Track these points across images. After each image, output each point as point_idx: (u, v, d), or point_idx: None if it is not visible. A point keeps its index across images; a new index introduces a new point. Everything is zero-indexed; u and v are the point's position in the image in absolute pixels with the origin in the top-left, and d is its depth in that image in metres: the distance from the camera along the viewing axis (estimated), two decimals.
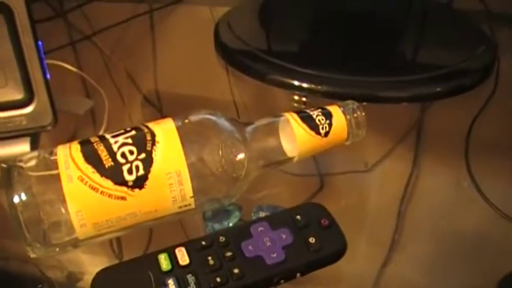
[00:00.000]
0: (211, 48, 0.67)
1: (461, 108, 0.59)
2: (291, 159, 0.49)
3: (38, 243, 0.43)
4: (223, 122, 0.47)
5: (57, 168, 0.43)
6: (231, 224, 0.48)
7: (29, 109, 0.53)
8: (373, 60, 0.63)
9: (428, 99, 0.60)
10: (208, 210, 0.48)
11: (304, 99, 0.61)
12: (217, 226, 0.48)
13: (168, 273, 0.42)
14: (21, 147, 0.54)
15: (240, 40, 0.64)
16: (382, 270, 0.46)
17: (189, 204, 0.45)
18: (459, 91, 0.59)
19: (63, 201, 0.42)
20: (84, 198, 0.43)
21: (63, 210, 0.42)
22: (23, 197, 0.42)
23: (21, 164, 0.44)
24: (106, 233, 0.44)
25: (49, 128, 0.54)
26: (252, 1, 0.72)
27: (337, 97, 0.52)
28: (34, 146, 0.54)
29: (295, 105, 0.60)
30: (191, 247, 0.43)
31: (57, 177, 0.43)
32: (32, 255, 0.44)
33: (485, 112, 0.58)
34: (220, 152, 0.45)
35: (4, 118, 0.53)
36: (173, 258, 0.42)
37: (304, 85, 0.60)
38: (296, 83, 0.61)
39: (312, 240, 0.43)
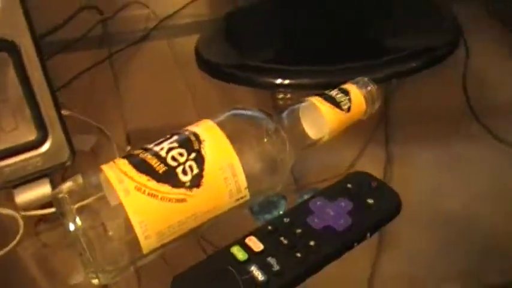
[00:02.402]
0: (175, 80, 0.69)
1: (423, 94, 0.63)
2: (318, 140, 0.50)
3: (102, 269, 0.42)
4: (256, 113, 0.48)
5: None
6: (281, 212, 0.48)
7: (44, 148, 0.51)
8: (347, 48, 0.66)
9: (404, 76, 0.63)
10: (255, 205, 0.49)
11: (288, 95, 0.63)
12: (268, 217, 0.48)
13: (247, 262, 0.41)
14: (42, 189, 0.52)
15: (221, 54, 0.66)
16: (376, 265, 0.46)
17: (244, 196, 0.45)
18: (432, 63, 0.64)
19: (125, 218, 0.42)
20: (145, 207, 0.42)
21: (124, 229, 0.42)
22: (81, 224, 0.41)
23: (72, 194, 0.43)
24: (168, 242, 0.43)
25: (68, 164, 0.52)
26: (218, 24, 0.75)
27: (320, 88, 0.53)
28: (54, 186, 0.52)
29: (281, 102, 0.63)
30: (259, 234, 0.44)
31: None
32: (95, 282, 0.43)
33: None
34: (265, 139, 0.46)
35: (19, 162, 0.51)
36: (246, 248, 0.43)
37: (287, 81, 0.63)
38: (279, 81, 0.63)
39: (370, 201, 0.45)
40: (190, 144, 0.45)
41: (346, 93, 0.51)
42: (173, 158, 0.44)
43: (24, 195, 0.52)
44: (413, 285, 0.44)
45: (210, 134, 0.45)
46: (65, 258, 0.50)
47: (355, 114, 0.51)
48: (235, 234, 0.44)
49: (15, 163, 0.51)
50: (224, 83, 0.65)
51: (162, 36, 0.79)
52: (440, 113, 0.59)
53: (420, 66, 0.62)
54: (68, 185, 0.43)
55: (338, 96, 0.50)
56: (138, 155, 0.44)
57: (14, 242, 0.50)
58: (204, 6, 0.84)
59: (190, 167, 0.44)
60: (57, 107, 0.51)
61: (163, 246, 0.43)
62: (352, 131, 0.52)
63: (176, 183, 0.43)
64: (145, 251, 0.43)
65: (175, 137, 0.45)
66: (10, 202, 0.53)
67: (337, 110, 0.50)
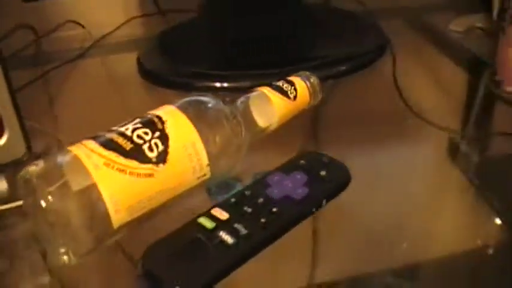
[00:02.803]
0: (111, 97, 0.71)
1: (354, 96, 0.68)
2: (266, 128, 0.54)
3: (72, 248, 0.43)
4: (213, 99, 0.51)
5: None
6: None
7: None
8: (279, 55, 0.72)
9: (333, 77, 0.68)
10: (212, 186, 0.51)
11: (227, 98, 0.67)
12: (224, 197, 0.51)
13: (216, 230, 0.44)
14: None
15: (161, 65, 0.70)
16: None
17: (205, 174, 0.48)
18: (360, 67, 0.70)
19: (95, 191, 0.43)
20: (115, 181, 0.43)
21: (94, 203, 0.43)
22: (50, 201, 0.42)
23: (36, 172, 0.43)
24: (138, 217, 0.45)
25: (24, 159, 0.52)
26: (155, 41, 0.78)
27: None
28: (10, 181, 0.52)
29: None
30: (224, 206, 0.46)
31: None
32: (67, 263, 0.43)
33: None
34: (224, 122, 0.49)
35: None
36: (213, 218, 0.45)
37: (225, 85, 0.67)
38: (218, 84, 0.67)
39: (322, 173, 0.49)
40: (154, 125, 0.47)
41: (291, 83, 0.55)
42: (138, 137, 0.46)
43: None
44: None
45: (171, 116, 0.48)
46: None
47: (300, 103, 0.56)
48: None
49: None
50: (159, 96, 0.69)
51: (97, 55, 0.81)
52: (372, 114, 0.64)
53: (350, 69, 0.68)
54: (33, 167, 0.44)
55: (285, 86, 0.55)
56: (103, 135, 0.46)
57: None
58: (137, 26, 0.87)
59: (156, 144, 0.46)
60: (15, 102, 0.52)
61: (133, 221, 0.45)
62: (287, 131, 0.56)
63: (143, 159, 0.45)
64: (115, 225, 0.44)
65: (138, 120, 0.47)
66: None
67: (285, 98, 0.54)
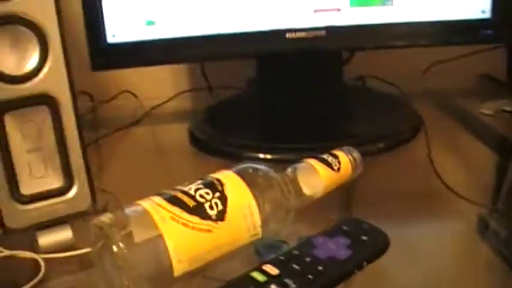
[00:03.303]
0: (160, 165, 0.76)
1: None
2: (311, 197, 0.59)
3: None
4: (266, 167, 0.56)
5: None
6: None
7: (68, 196, 0.57)
8: (322, 132, 0.78)
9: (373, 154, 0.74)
10: (261, 247, 0.56)
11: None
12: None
13: (267, 283, 0.48)
14: (63, 234, 0.57)
15: (212, 135, 0.77)
16: None
17: (257, 234, 0.53)
18: (395, 146, 0.75)
19: (161, 242, 0.48)
20: (179, 234, 0.48)
21: (159, 252, 0.48)
22: (121, 247, 0.46)
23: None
24: (197, 268, 0.49)
25: (89, 212, 0.57)
26: (204, 114, 0.85)
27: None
28: (75, 232, 0.57)
29: None
30: (274, 262, 0.50)
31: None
32: None
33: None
34: (276, 188, 0.54)
35: (44, 207, 0.56)
36: (264, 273, 0.49)
37: (268, 156, 0.73)
38: (262, 155, 0.73)
39: (364, 237, 0.53)
40: (214, 186, 0.52)
41: (335, 156, 0.60)
42: (201, 196, 0.51)
43: (47, 238, 0.57)
44: None
45: (229, 179, 0.53)
46: None
47: (343, 176, 0.61)
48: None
49: (40, 207, 0.56)
50: (207, 164, 0.74)
51: (147, 124, 0.88)
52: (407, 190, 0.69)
53: (386, 148, 0.73)
54: (106, 216, 0.49)
55: (330, 158, 0.60)
56: (168, 193, 0.51)
57: (34, 282, 0.54)
58: (187, 99, 0.95)
59: (216, 204, 0.51)
60: (85, 158, 0.57)
61: (192, 271, 0.49)
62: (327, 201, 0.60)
63: (204, 216, 0.50)
64: (176, 274, 0.48)
65: (199, 181, 0.53)
66: (32, 245, 0.57)
67: (330, 170, 0.59)
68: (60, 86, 0.55)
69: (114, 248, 0.46)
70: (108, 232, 0.47)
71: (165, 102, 0.92)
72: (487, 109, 0.85)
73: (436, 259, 0.56)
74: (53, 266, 0.56)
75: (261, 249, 0.56)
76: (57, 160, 0.56)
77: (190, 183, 0.53)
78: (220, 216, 0.50)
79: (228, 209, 0.51)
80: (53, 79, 0.54)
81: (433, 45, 0.77)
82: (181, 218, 0.49)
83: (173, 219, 0.49)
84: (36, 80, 0.54)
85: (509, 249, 0.57)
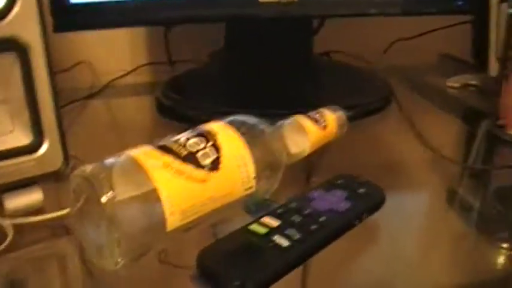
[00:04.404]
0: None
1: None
2: (297, 154, 0.56)
3: (125, 249, 0.43)
4: (257, 120, 0.53)
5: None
6: None
7: (38, 154, 0.51)
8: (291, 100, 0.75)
9: None
10: (252, 205, 0.52)
11: None
12: None
13: (268, 235, 0.45)
14: (33, 196, 0.51)
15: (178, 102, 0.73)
16: None
17: (252, 187, 0.49)
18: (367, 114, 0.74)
19: (152, 191, 0.43)
20: (172, 183, 0.44)
21: (151, 203, 0.44)
22: (110, 197, 0.42)
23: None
24: (190, 222, 0.45)
25: (61, 172, 0.52)
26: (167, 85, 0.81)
27: None
28: (46, 194, 0.52)
29: None
30: (272, 216, 0.47)
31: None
32: (115, 268, 0.43)
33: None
34: (269, 141, 0.51)
35: (11, 166, 0.50)
36: (263, 225, 0.46)
37: None
38: None
39: (361, 190, 0.51)
40: (206, 136, 0.48)
41: (321, 114, 0.58)
42: (192, 145, 0.47)
43: (14, 201, 0.51)
44: None
45: (221, 130, 0.50)
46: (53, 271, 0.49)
47: (329, 134, 0.58)
48: None
49: (7, 166, 0.50)
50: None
51: (105, 97, 0.83)
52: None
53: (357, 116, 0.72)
54: (90, 167, 0.44)
55: (316, 115, 0.58)
56: (157, 143, 0.47)
57: (2, 247, 0.48)
58: (146, 73, 0.90)
59: (209, 153, 0.47)
60: (58, 112, 0.52)
61: (184, 225, 0.45)
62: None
63: (198, 165, 0.46)
64: (169, 228, 0.44)
65: (189, 131, 0.49)
66: None
67: (316, 127, 0.57)
68: (31, 30, 0.49)
69: (103, 199, 0.42)
70: (95, 182, 0.43)
71: (124, 75, 0.87)
72: (453, 82, 0.85)
73: (405, 231, 0.54)
74: (21, 232, 0.51)
75: (252, 207, 0.52)
76: (26, 114, 0.51)
77: (180, 133, 0.49)
78: (214, 165, 0.47)
79: (222, 159, 0.47)
80: (23, 22, 0.49)
81: (406, 14, 0.76)
82: (173, 166, 0.45)
83: (165, 167, 0.45)
84: (4, 22, 0.48)
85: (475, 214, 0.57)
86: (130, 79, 0.88)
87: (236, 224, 0.48)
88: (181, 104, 0.73)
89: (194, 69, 0.86)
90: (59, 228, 0.52)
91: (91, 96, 0.82)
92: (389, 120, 0.75)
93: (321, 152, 0.58)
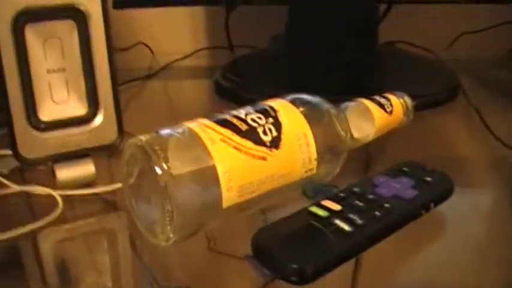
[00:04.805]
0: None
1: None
2: (362, 139, 0.53)
3: (177, 228, 0.41)
4: (321, 100, 0.50)
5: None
6: None
7: (92, 125, 0.50)
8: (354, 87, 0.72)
9: None
10: (310, 189, 0.49)
11: None
12: None
13: (329, 218, 0.42)
14: (86, 168, 0.50)
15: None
16: None
17: (312, 169, 0.46)
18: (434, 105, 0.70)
19: (209, 165, 0.41)
20: (230, 158, 0.42)
21: (207, 177, 0.41)
22: (165, 168, 0.40)
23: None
24: (246, 200, 0.43)
25: (116, 144, 0.51)
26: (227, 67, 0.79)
27: None
28: (98, 167, 0.50)
29: None
30: (333, 199, 0.44)
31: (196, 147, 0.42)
32: (166, 244, 0.41)
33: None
34: (335, 122, 0.49)
35: (65, 136, 0.49)
36: (324, 208, 0.43)
37: None
38: None
39: (428, 179, 0.47)
40: (267, 112, 0.46)
41: (388, 99, 0.55)
42: (253, 120, 0.45)
43: (66, 173, 0.50)
44: None
45: (283, 107, 0.47)
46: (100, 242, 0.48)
47: (395, 119, 0.55)
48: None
49: (60, 136, 0.49)
50: None
51: (163, 79, 0.82)
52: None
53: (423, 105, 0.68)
54: (145, 136, 0.43)
55: (382, 100, 0.54)
56: (217, 116, 0.45)
57: (46, 220, 0.47)
58: (205, 57, 0.89)
59: (270, 129, 0.45)
60: (114, 84, 0.50)
61: (241, 204, 0.43)
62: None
63: (258, 141, 0.44)
64: (225, 204, 0.42)
65: (248, 107, 0.47)
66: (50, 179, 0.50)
67: (382, 111, 0.54)
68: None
69: (158, 170, 0.40)
70: (150, 152, 0.41)
71: (183, 58, 0.86)
72: None
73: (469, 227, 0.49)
74: (71, 205, 0.50)
75: (310, 191, 0.50)
76: (82, 84, 0.50)
77: (239, 108, 0.47)
78: (275, 143, 0.44)
79: (283, 137, 0.45)
80: None
81: (478, 2, 0.72)
82: (232, 140, 0.43)
83: (224, 141, 0.42)
84: None
85: None
86: (188, 62, 0.87)
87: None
88: (241, 86, 0.72)
89: (254, 53, 0.85)
90: (109, 203, 0.51)
91: (149, 76, 0.81)
92: (456, 113, 0.71)
93: (383, 139, 0.55)
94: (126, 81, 0.75)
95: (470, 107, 0.70)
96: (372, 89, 0.62)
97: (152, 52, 0.87)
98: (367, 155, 0.58)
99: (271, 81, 0.73)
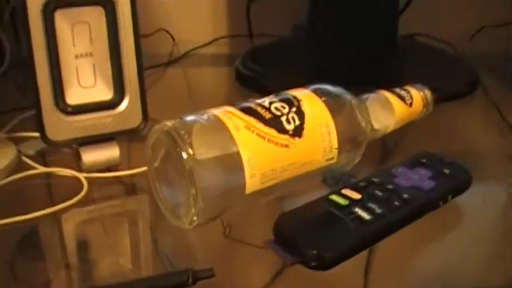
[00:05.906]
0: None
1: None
2: (381, 130, 0.54)
3: (201, 211, 0.42)
4: (343, 90, 0.51)
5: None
6: None
7: (118, 110, 0.51)
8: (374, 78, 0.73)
9: None
10: (330, 178, 0.50)
11: None
12: None
13: (349, 207, 0.43)
14: (110, 152, 0.51)
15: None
16: None
17: (333, 158, 0.47)
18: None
19: (234, 151, 0.42)
20: (254, 145, 0.43)
21: (231, 163, 0.42)
22: (191, 153, 0.41)
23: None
24: (268, 187, 0.44)
25: (140, 129, 0.52)
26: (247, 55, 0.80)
27: None
28: (122, 150, 0.52)
29: None
30: (354, 188, 0.45)
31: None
32: (189, 227, 0.42)
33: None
34: (358, 115, 0.49)
35: (91, 119, 0.50)
36: (344, 197, 0.44)
37: None
38: None
39: (446, 171, 0.48)
40: (290, 101, 0.47)
41: (408, 91, 0.55)
42: (277, 109, 0.46)
43: (91, 156, 0.51)
44: None
45: (305, 96, 0.48)
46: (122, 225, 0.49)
47: (414, 111, 0.56)
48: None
49: (86, 120, 0.50)
50: None
51: (184, 66, 0.83)
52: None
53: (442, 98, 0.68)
54: (171, 122, 0.44)
55: (402, 92, 0.55)
56: (241, 104, 0.46)
57: (72, 201, 0.48)
58: (225, 45, 0.90)
59: (293, 118, 0.46)
60: (140, 69, 0.51)
61: (263, 190, 0.44)
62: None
63: (281, 129, 0.45)
64: (248, 190, 0.43)
65: (272, 96, 0.48)
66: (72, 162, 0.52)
67: (402, 103, 0.54)
68: None
69: (183, 155, 0.41)
70: (176, 137, 0.42)
71: (204, 45, 0.87)
72: None
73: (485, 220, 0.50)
74: (95, 187, 0.51)
75: (330, 180, 0.51)
76: (109, 69, 0.51)
77: (263, 97, 0.48)
78: (298, 131, 0.45)
79: (305, 126, 0.46)
80: None
81: None
82: (256, 128, 0.44)
83: (248, 128, 0.43)
84: None
85: None
86: (209, 50, 0.88)
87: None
88: (261, 75, 0.72)
89: (275, 42, 0.86)
90: (132, 187, 0.53)
91: (169, 63, 0.82)
92: (474, 106, 0.72)
93: (401, 131, 0.56)
94: (147, 67, 0.76)
95: (488, 101, 0.71)
96: (392, 80, 0.63)
97: (173, 39, 0.88)
98: (384, 145, 0.59)
99: (291, 71, 0.74)
